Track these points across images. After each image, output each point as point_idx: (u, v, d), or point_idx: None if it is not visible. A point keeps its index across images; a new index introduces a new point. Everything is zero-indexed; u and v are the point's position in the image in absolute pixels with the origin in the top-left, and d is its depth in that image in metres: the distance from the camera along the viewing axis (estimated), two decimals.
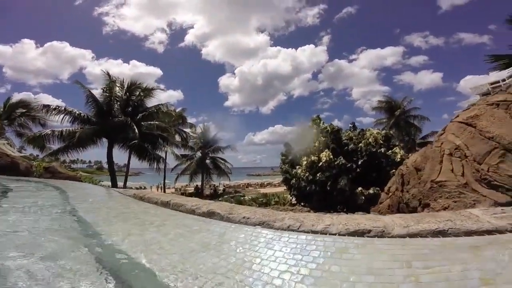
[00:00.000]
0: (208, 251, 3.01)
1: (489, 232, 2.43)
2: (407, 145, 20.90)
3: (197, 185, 26.44)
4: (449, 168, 3.94)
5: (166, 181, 26.68)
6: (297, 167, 13.74)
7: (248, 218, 3.98)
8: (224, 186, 32.63)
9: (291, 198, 15.26)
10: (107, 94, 16.92)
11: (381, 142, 12.88)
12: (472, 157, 3.68)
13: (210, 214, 4.46)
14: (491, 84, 23.43)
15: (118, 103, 17.49)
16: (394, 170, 11.18)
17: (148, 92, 18.31)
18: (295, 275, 2.31)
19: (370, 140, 12.93)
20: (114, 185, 16.26)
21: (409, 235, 2.78)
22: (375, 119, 27.72)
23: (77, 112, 16.25)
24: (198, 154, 25.94)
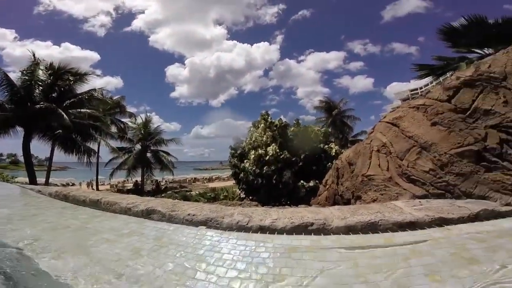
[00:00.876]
0: (140, 258, 2.70)
1: (411, 223, 2.78)
2: (341, 142, 23.07)
3: (136, 181, 24.34)
4: (377, 163, 4.42)
5: (99, 176, 23.88)
6: (245, 161, 13.86)
7: (194, 215, 3.77)
8: (166, 181, 30.85)
9: (240, 192, 15.35)
10: (27, 78, 14.25)
11: (321, 138, 13.92)
12: (396, 153, 4.21)
13: (149, 213, 4.09)
14: (411, 91, 27.65)
15: (41, 88, 14.85)
16: (330, 164, 12.26)
17: (79, 77, 16.02)
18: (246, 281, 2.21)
19: (312, 136, 13.85)
20: (32, 181, 13.83)
21: (346, 226, 2.99)
22: (316, 118, 29.87)
23: None
24: (138, 146, 23.78)
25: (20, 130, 14.59)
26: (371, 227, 2.88)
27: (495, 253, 2.12)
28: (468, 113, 3.96)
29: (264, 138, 13.76)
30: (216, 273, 2.32)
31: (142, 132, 22.91)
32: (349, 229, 2.99)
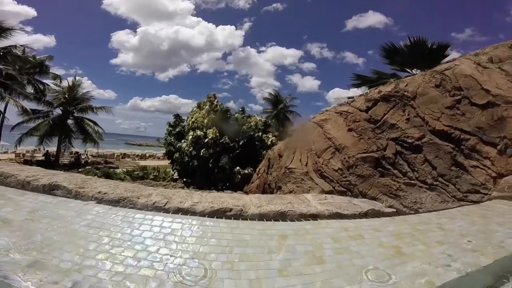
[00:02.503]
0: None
1: (314, 215, 3.16)
2: (280, 134, 24.36)
3: (47, 151, 20.72)
4: (299, 157, 4.86)
5: (2, 142, 19.67)
6: (183, 141, 13.38)
7: (105, 193, 3.49)
8: (88, 155, 27.28)
9: (173, 173, 14.80)
10: None
11: (260, 127, 14.40)
12: (315, 151, 4.69)
13: (52, 188, 3.62)
14: (348, 98, 30.72)
15: None
16: (265, 152, 12.87)
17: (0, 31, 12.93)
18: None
19: (252, 124, 14.18)
20: None
21: (260, 214, 3.22)
22: (263, 108, 30.74)
23: None
24: (58, 111, 20.35)
25: None
26: (281, 216, 3.18)
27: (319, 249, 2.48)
28: (378, 124, 4.64)
29: (206, 120, 13.48)
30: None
31: (66, 96, 19.57)
32: (263, 217, 3.24)
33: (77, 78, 22.25)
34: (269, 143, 13.25)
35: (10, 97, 14.23)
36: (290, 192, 4.45)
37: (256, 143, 13.27)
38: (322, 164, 4.44)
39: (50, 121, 19.20)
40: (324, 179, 4.33)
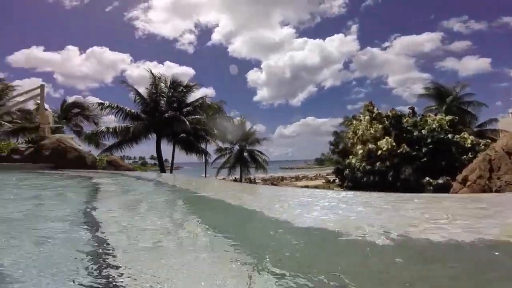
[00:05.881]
0: None
1: None
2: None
3: (235, 178, 26.69)
4: None
5: (207, 174, 27.28)
6: (351, 156, 13.08)
7: None
8: (256, 179, 32.46)
9: (343, 190, 14.66)
10: (154, 91, 17.56)
11: (447, 128, 11.76)
12: None
13: None
14: None
15: (164, 99, 18.08)
16: (465, 157, 10.19)
17: (189, 88, 18.82)
18: None
19: (434, 126, 11.85)
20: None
21: None
22: (425, 107, 25.65)
23: (128, 109, 17.06)
24: (236, 147, 26.10)
25: (151, 136, 18.05)
26: None
27: None
28: None
29: (372, 131, 12.65)
30: None
31: (240, 133, 25.00)
32: None
33: (242, 117, 27.80)
34: (468, 144, 10.47)
35: (211, 139, 19.60)
36: None
37: (451, 147, 10.84)
38: None
39: (233, 156, 24.89)
40: None
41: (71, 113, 21.27)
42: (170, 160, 20.67)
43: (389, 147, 11.34)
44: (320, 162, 57.43)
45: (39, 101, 12.07)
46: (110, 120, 18.48)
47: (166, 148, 18.92)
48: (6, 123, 17.07)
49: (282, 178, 38.38)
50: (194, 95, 19.37)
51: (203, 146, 19.80)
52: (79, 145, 12.61)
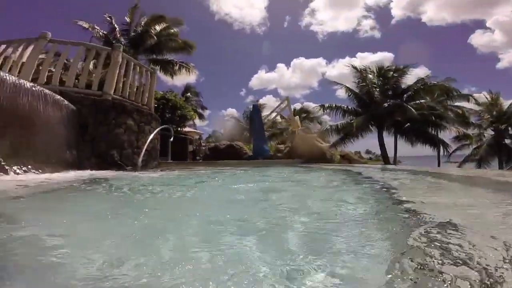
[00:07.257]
0: None
1: None
2: None
3: None
4: None
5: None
6: None
7: None
8: None
9: None
10: (363, 84, 17.10)
11: None
12: None
13: None
14: None
15: (377, 89, 17.09)
16: None
17: (401, 72, 16.41)
18: None
19: None
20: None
21: None
22: None
23: (345, 106, 17.89)
24: (489, 132, 18.84)
25: (373, 128, 17.48)
26: None
27: None
28: None
29: None
30: None
31: (493, 113, 17.80)
32: None
33: (492, 91, 19.48)
34: None
35: (449, 125, 15.51)
36: None
37: None
38: None
39: (486, 145, 18.05)
40: None
41: (300, 117, 26.25)
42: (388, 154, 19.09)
43: None
44: None
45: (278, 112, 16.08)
46: (325, 120, 20.43)
47: (386, 141, 17.67)
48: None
49: None
50: (408, 79, 16.75)
51: (433, 134, 16.31)
52: (322, 142, 15.13)
